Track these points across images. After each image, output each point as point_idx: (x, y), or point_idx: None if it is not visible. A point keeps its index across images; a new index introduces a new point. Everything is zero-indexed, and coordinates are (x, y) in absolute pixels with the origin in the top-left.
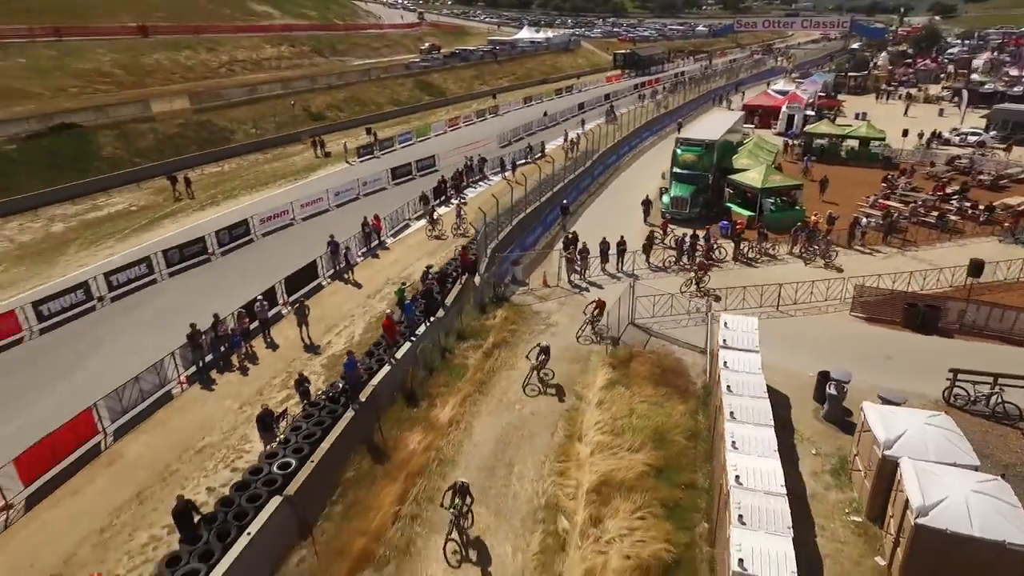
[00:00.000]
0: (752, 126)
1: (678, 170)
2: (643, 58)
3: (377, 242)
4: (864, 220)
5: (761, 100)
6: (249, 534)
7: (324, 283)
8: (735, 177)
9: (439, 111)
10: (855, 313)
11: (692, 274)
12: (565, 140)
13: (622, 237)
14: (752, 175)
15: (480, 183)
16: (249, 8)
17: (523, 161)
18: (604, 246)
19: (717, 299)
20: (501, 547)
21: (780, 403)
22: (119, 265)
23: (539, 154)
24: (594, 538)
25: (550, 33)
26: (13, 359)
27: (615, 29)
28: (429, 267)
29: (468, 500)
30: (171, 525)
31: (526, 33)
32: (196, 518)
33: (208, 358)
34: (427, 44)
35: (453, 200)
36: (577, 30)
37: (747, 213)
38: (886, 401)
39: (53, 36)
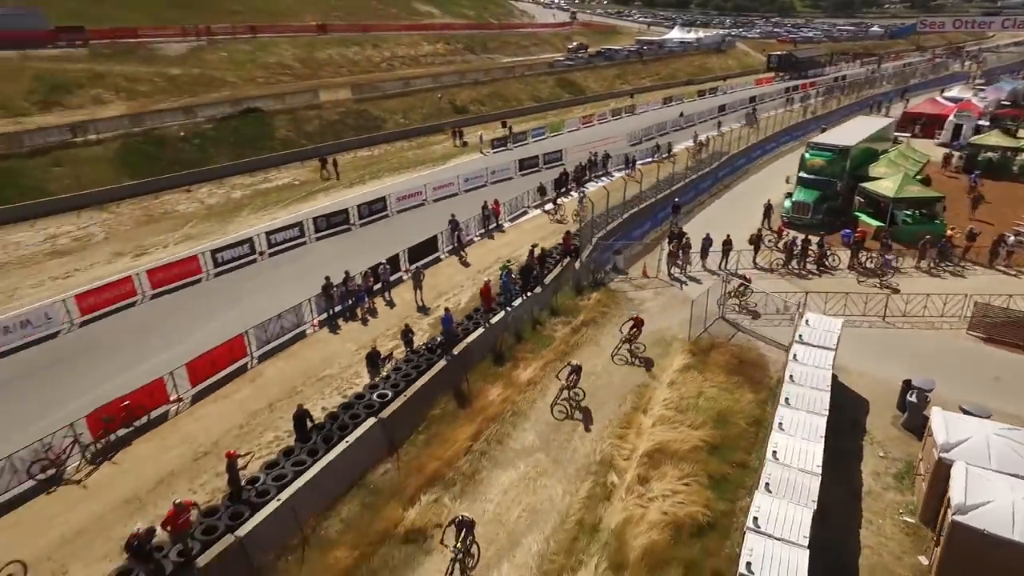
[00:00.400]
0: (908, 135)
1: (804, 174)
2: (800, 60)
3: (494, 225)
4: (1011, 238)
5: (925, 107)
6: (347, 442)
7: (442, 256)
8: (867, 185)
9: (576, 109)
10: (973, 332)
11: (733, 287)
12: (694, 141)
13: (728, 236)
14: (886, 184)
15: (602, 178)
16: (414, 8)
17: (647, 160)
18: (706, 243)
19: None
20: (553, 488)
21: (858, 406)
22: (278, 227)
23: (665, 154)
24: (638, 494)
25: (701, 33)
26: (194, 292)
27: (776, 30)
28: (535, 245)
29: (470, 539)
30: (291, 430)
31: (676, 33)
32: (309, 424)
33: (337, 308)
34: (574, 43)
35: (573, 192)
36: (733, 30)
37: (876, 223)
38: (967, 413)
39: (249, 33)
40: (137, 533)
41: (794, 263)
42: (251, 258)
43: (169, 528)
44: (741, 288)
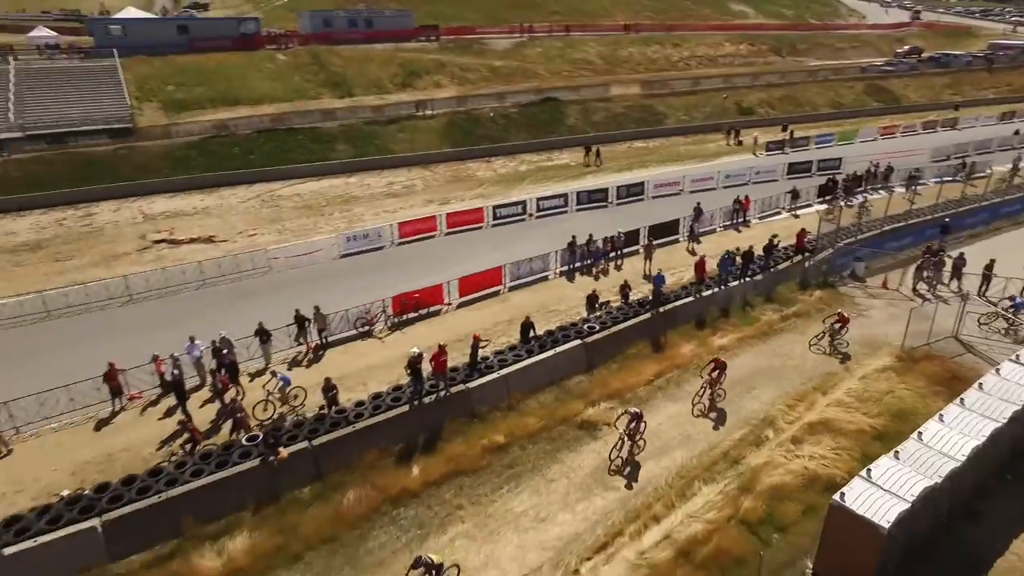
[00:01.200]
0: None
1: None
2: None
3: (742, 219)
4: None
5: None
6: (555, 350)
7: (680, 238)
8: None
9: (883, 118)
10: None
11: (826, 325)
12: (1013, 165)
13: (991, 260)
14: None
15: (879, 191)
16: (727, 8)
17: (944, 179)
18: (959, 262)
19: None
20: (709, 426)
21: None
22: (547, 195)
23: (967, 175)
24: (787, 448)
25: None
26: (475, 235)
27: None
28: (774, 236)
29: None
30: (517, 337)
31: None
32: (532, 333)
33: (577, 264)
34: (905, 47)
35: (839, 200)
36: None
37: None
38: None
39: (563, 32)
40: (415, 355)
41: None
42: (522, 217)
43: (432, 363)
44: (836, 325)
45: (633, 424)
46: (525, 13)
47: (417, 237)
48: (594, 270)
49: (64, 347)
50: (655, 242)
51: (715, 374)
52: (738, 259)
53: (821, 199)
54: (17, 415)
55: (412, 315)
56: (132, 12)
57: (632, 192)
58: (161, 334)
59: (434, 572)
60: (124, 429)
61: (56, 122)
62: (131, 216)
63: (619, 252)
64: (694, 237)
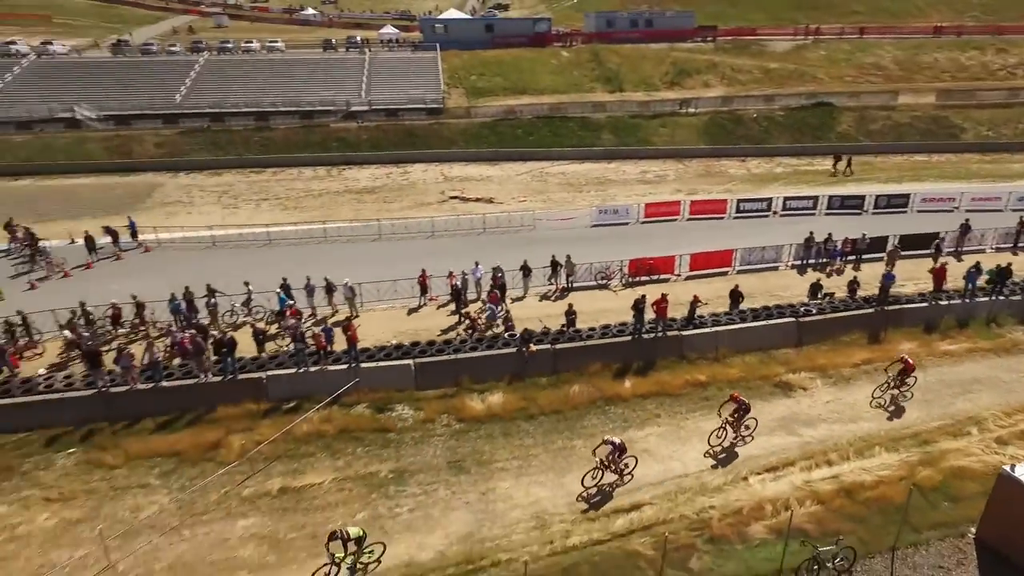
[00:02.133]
0: None
1: None
2: None
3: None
4: None
5: None
6: (768, 322)
7: (931, 251)
8: None
9: None
10: None
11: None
12: None
13: None
14: None
15: None
16: None
17: None
18: None
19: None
20: (908, 411)
21: None
22: (795, 195)
23: None
24: (987, 444)
25: None
26: (713, 224)
27: None
28: None
29: (359, 549)
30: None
31: None
32: (740, 301)
33: (811, 260)
34: None
35: None
36: None
37: None
38: None
39: (856, 34)
40: (640, 297)
41: None
42: (765, 213)
43: (655, 308)
44: (901, 377)
45: (615, 455)
46: (817, 14)
47: (660, 219)
48: (828, 268)
49: (389, 258)
50: (902, 251)
51: (734, 415)
52: (980, 268)
53: None
54: (364, 295)
55: (644, 278)
56: (453, 13)
57: (893, 203)
58: (452, 260)
59: (352, 545)
60: (425, 317)
61: (391, 100)
62: (435, 176)
63: (859, 256)
64: (953, 253)
